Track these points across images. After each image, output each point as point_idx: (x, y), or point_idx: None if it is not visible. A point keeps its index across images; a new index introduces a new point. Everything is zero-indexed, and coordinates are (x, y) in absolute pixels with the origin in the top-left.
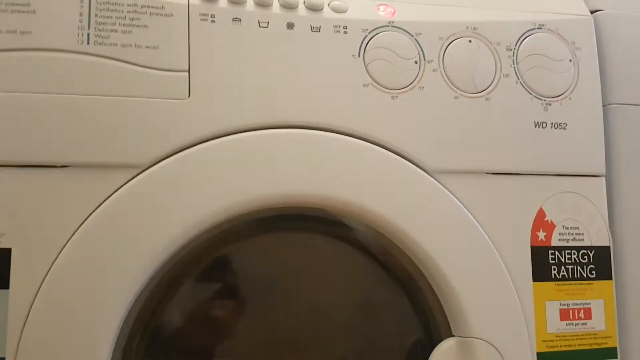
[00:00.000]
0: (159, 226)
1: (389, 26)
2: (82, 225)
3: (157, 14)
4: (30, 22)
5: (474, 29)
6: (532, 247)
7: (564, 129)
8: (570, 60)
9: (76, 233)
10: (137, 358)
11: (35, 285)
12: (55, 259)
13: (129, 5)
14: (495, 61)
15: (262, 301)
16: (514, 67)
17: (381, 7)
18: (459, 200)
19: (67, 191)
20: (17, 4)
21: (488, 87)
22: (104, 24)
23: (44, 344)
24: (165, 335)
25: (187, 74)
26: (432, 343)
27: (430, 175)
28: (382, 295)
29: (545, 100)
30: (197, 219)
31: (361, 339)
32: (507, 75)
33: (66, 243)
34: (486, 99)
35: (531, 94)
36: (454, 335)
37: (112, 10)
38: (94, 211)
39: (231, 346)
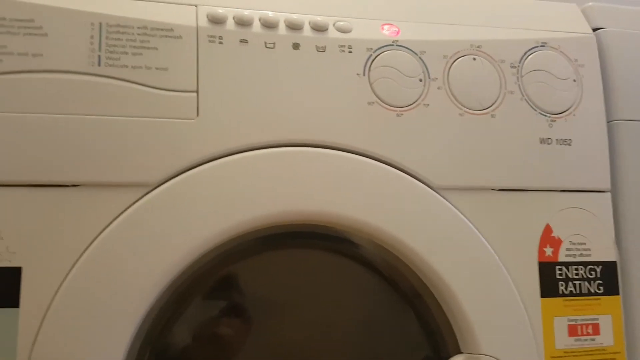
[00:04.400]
0: (168, 244)
1: (393, 45)
2: (92, 244)
3: (166, 37)
4: (42, 44)
5: (478, 47)
6: (539, 263)
7: (569, 145)
8: (574, 79)
9: (86, 252)
10: None
11: (45, 304)
12: (65, 278)
13: (139, 27)
14: (499, 78)
15: (269, 318)
16: (519, 84)
17: (385, 27)
18: (466, 217)
19: (78, 210)
20: (29, 27)
21: (493, 104)
22: (114, 46)
23: None
24: (173, 353)
25: (195, 94)
26: None
27: (437, 192)
28: (389, 312)
29: (549, 117)
30: (205, 237)
31: (368, 356)
32: (511, 92)
33: (76, 261)
34: (491, 115)
35: (536, 111)
36: (462, 352)
37: (123, 33)
38: (104, 230)
39: None
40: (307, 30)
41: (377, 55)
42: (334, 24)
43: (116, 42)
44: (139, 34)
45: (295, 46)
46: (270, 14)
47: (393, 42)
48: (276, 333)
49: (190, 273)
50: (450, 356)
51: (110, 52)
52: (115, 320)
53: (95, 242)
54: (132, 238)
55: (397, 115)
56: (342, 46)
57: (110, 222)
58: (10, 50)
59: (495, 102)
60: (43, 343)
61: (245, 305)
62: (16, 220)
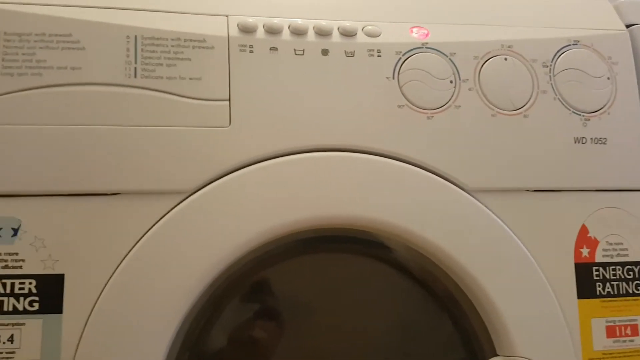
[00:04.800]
0: (205, 250)
1: (422, 47)
2: (132, 251)
3: (199, 47)
4: (80, 58)
5: (509, 46)
6: (575, 264)
7: (604, 143)
8: (608, 78)
9: (126, 258)
10: None
11: (87, 310)
12: (106, 284)
13: (172, 39)
14: (531, 78)
15: (303, 322)
16: (551, 84)
17: (414, 30)
18: (500, 219)
19: (117, 218)
20: (67, 42)
21: (525, 104)
22: (149, 58)
23: None
24: (210, 354)
25: (227, 102)
26: None
27: (470, 195)
28: (424, 316)
29: (583, 116)
30: (240, 242)
31: None
32: (544, 92)
33: (116, 268)
34: (524, 115)
35: (569, 110)
36: (498, 355)
37: (157, 45)
38: (142, 236)
39: None
40: (335, 36)
41: (407, 58)
42: (362, 29)
43: (151, 54)
44: (172, 46)
45: (325, 52)
46: (299, 21)
47: (422, 44)
48: (310, 336)
49: (226, 277)
50: (486, 359)
51: (146, 64)
52: (155, 323)
53: (135, 249)
54: (170, 244)
55: (428, 117)
56: (371, 50)
57: (148, 229)
58: (50, 64)
59: (528, 102)
60: (86, 347)
61: (280, 309)
62: (58, 228)
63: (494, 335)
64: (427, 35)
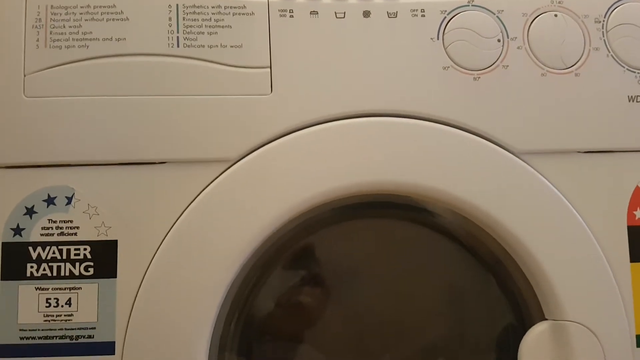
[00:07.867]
0: (250, 216)
1: (468, 5)
2: (180, 217)
3: (239, 14)
4: (124, 29)
5: (559, 2)
6: (629, 227)
7: None
8: None
9: (175, 225)
10: (234, 340)
11: (140, 274)
12: (157, 249)
13: (213, 7)
14: (583, 35)
15: (349, 287)
16: (604, 40)
17: None
18: (549, 182)
19: (166, 186)
20: (112, 13)
21: (577, 62)
22: (191, 26)
23: (150, 328)
24: (258, 319)
25: (269, 69)
26: (524, 327)
27: (518, 157)
28: (470, 280)
29: (639, 73)
30: (284, 208)
31: (450, 325)
32: (596, 49)
33: (167, 234)
34: (575, 74)
35: (623, 67)
36: (546, 319)
37: (199, 13)
38: (190, 204)
39: (319, 331)
40: None
41: (452, 18)
42: None
43: (192, 22)
44: (213, 14)
45: (366, 14)
46: None
47: (468, 2)
48: (356, 302)
49: (271, 243)
50: (534, 323)
51: (188, 32)
52: (204, 287)
53: (183, 216)
54: (217, 211)
55: (474, 79)
56: (414, 10)
57: (196, 197)
58: (96, 36)
59: (579, 60)
60: (140, 309)
61: (326, 274)
62: (110, 196)
63: (543, 300)
64: None
